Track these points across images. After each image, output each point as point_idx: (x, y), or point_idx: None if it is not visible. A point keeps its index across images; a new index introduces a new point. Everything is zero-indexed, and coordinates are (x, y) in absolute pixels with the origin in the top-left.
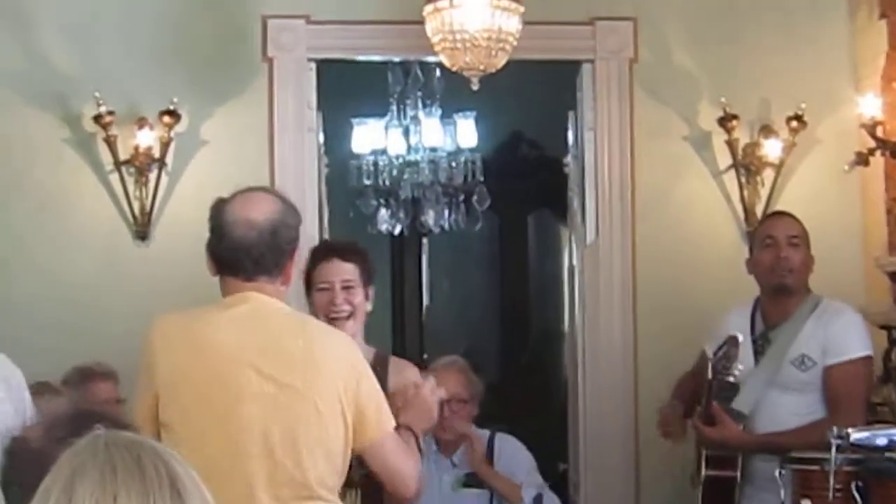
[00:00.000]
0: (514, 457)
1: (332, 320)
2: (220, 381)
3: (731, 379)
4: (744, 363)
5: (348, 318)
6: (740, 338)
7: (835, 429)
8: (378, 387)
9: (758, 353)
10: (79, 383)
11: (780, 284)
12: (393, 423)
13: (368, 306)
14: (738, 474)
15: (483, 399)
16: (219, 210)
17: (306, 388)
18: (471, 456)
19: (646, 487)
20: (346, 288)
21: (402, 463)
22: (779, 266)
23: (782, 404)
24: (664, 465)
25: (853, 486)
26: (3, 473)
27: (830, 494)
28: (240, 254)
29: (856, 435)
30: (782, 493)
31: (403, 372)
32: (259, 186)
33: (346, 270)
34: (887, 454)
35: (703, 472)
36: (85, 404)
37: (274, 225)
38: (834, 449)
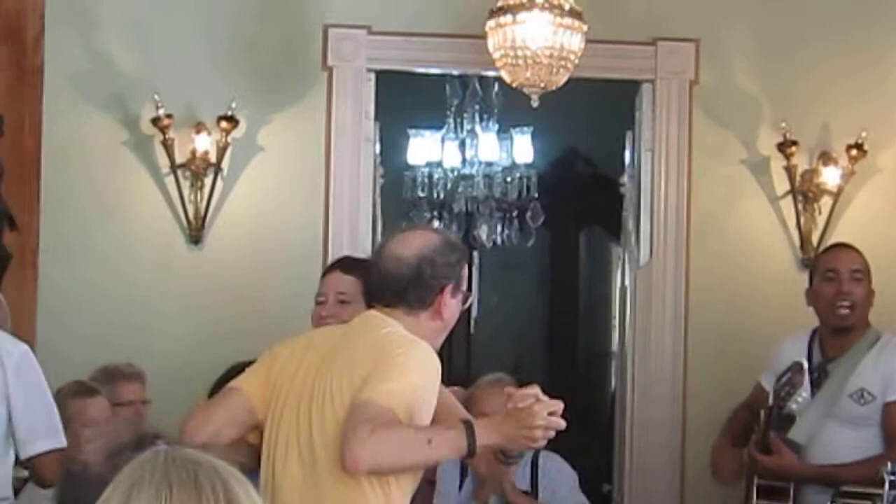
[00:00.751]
0: (558, 475)
1: None
2: (293, 379)
3: (794, 406)
4: (807, 391)
5: None
6: (805, 364)
7: (889, 465)
8: (394, 368)
9: (815, 384)
10: (105, 382)
11: (841, 326)
12: (386, 401)
13: None
14: None
15: None
16: (379, 246)
17: (337, 391)
18: (504, 489)
19: None
20: (342, 302)
21: (353, 428)
22: (840, 300)
23: (839, 437)
24: (710, 492)
25: None
26: (61, 494)
27: None
28: (383, 286)
29: None
30: None
31: None
32: (425, 226)
33: (342, 283)
34: None
35: (755, 501)
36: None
37: (420, 260)
38: (887, 485)
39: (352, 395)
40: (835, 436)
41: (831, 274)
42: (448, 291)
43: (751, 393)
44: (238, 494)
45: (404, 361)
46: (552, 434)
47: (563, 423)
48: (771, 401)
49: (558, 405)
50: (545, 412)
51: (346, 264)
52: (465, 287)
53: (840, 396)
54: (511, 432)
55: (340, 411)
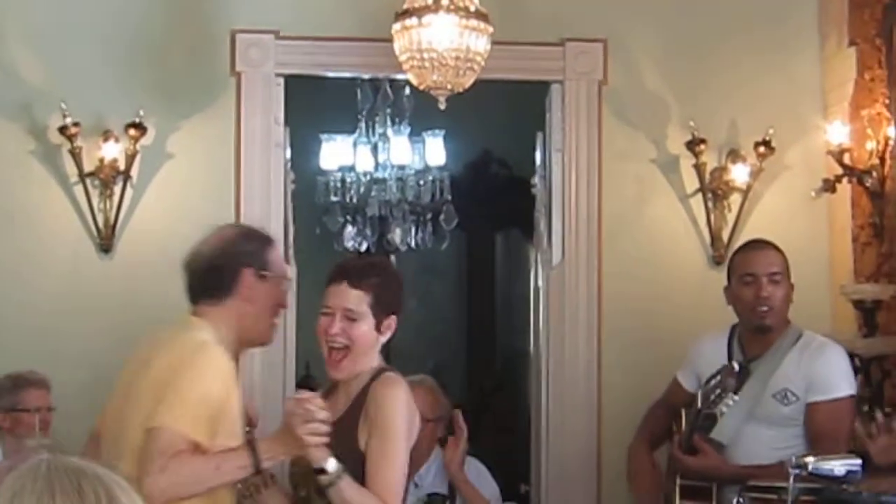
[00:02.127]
0: (479, 481)
1: (329, 349)
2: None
3: (725, 409)
4: (737, 395)
5: (343, 350)
6: (736, 367)
7: (793, 458)
8: (182, 385)
9: (737, 383)
10: (11, 390)
11: (760, 325)
12: (179, 425)
13: (383, 338)
14: None
15: (449, 418)
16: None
17: (138, 406)
18: (450, 456)
19: None
20: (349, 319)
21: (146, 462)
22: (759, 305)
23: (761, 437)
24: (626, 490)
25: None
26: None
27: None
28: (190, 285)
29: (814, 464)
30: None
31: (377, 389)
32: (230, 224)
33: (350, 298)
34: (845, 484)
35: (677, 501)
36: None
37: (219, 250)
38: (792, 478)
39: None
40: (757, 436)
41: (749, 278)
42: (249, 274)
43: (668, 389)
44: (122, 502)
45: (192, 376)
46: (323, 432)
47: (327, 415)
48: (699, 403)
49: (313, 400)
50: (305, 412)
51: (353, 275)
52: (275, 270)
53: (763, 396)
54: (290, 441)
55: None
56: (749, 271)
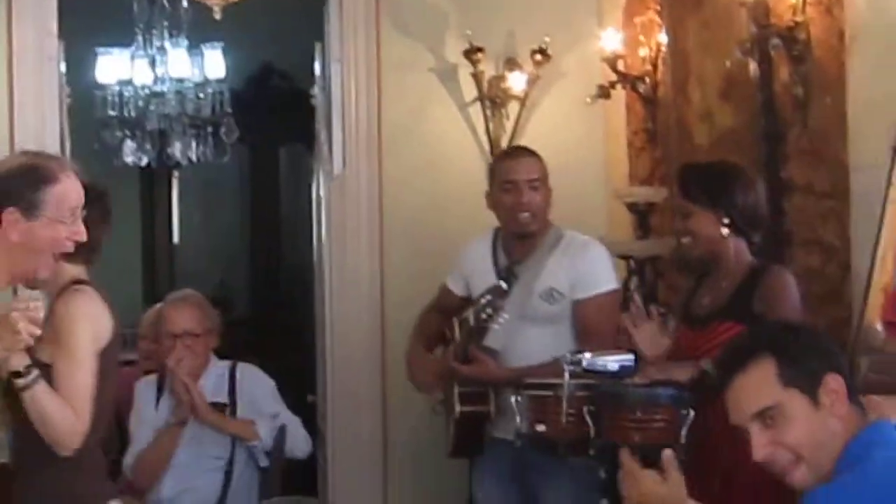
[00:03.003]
0: (255, 384)
1: None
2: None
3: (497, 327)
4: (508, 314)
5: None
6: (505, 287)
7: (567, 355)
8: None
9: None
10: None
11: (521, 232)
12: None
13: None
14: (491, 408)
15: (235, 333)
16: None
17: None
18: (194, 410)
19: (392, 416)
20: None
21: None
22: (520, 211)
23: (532, 337)
24: (410, 395)
25: (585, 410)
26: None
27: (563, 419)
28: None
29: (588, 360)
30: (518, 419)
31: (57, 304)
32: (23, 152)
33: None
34: (618, 379)
35: (458, 408)
36: None
37: None
38: (567, 375)
39: None
40: (529, 336)
41: (509, 185)
42: (11, 212)
43: (438, 294)
44: None
45: None
46: (36, 334)
47: (37, 331)
48: (472, 321)
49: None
50: (28, 310)
51: None
52: (49, 212)
53: (530, 297)
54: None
55: None
56: (509, 178)
